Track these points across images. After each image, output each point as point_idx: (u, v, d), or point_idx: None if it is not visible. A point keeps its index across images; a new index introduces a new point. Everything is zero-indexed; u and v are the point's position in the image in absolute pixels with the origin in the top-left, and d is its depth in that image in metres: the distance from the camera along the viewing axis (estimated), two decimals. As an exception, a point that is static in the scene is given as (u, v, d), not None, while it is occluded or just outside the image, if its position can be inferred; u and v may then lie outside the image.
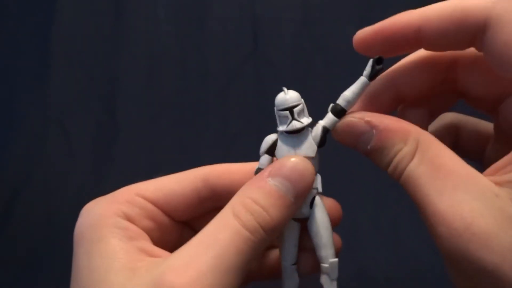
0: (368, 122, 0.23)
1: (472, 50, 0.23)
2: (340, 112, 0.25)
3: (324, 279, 0.25)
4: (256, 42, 0.70)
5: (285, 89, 0.25)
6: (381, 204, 0.66)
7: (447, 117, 0.29)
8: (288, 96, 0.24)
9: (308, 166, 0.23)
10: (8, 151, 0.73)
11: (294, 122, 0.24)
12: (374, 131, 0.23)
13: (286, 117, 0.24)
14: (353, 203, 0.64)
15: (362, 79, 0.25)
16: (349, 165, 0.61)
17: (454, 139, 0.28)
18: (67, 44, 0.73)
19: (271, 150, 0.25)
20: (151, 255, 0.23)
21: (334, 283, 0.25)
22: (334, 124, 0.25)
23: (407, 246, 0.62)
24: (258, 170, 0.25)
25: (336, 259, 0.25)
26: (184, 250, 0.21)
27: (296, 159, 0.23)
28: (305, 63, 0.69)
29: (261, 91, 0.67)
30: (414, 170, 0.21)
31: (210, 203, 0.26)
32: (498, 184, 0.20)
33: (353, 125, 0.24)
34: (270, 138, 0.25)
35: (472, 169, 0.21)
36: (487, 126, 0.28)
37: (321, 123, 0.25)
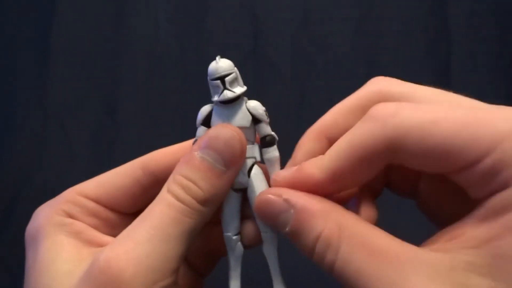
0: (286, 201, 0.21)
1: None
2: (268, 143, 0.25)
3: (265, 247, 0.25)
4: (256, 42, 0.70)
5: (218, 57, 0.24)
6: (381, 206, 0.66)
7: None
8: (220, 65, 0.23)
9: (234, 134, 0.23)
10: (8, 151, 0.73)
11: (226, 91, 0.23)
12: (292, 211, 0.21)
13: (218, 86, 0.23)
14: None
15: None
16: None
17: (386, 174, 0.25)
18: (67, 44, 0.73)
19: (207, 121, 0.25)
20: (100, 244, 0.23)
21: (274, 250, 0.25)
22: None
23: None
24: (195, 142, 0.24)
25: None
26: (125, 230, 0.22)
27: (219, 128, 0.23)
28: (305, 63, 0.69)
29: (261, 91, 0.67)
30: (349, 262, 0.18)
31: (154, 190, 0.25)
32: (447, 250, 0.18)
33: (270, 203, 0.22)
34: (204, 109, 0.25)
35: (410, 245, 0.19)
36: None
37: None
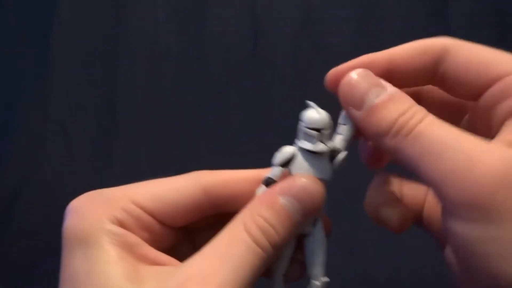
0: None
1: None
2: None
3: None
4: (256, 42, 0.70)
5: (317, 107, 0.24)
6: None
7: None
8: (320, 117, 0.24)
9: (319, 189, 0.23)
10: (8, 151, 0.73)
11: (321, 145, 0.24)
12: (388, 88, 0.23)
13: (313, 136, 0.24)
14: (354, 205, 0.64)
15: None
16: (350, 166, 0.61)
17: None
18: (67, 44, 0.73)
19: (286, 163, 0.25)
20: (154, 262, 0.23)
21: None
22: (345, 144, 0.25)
23: (408, 247, 0.62)
24: (268, 181, 0.24)
25: (328, 279, 0.25)
26: (199, 261, 0.21)
27: (308, 180, 0.23)
28: (305, 63, 0.69)
29: (261, 91, 0.67)
30: (435, 121, 0.21)
31: (209, 211, 0.26)
32: None
33: (369, 74, 0.24)
34: (288, 151, 0.25)
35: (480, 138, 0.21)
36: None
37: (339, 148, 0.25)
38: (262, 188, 0.25)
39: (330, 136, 0.25)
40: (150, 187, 0.25)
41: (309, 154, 0.24)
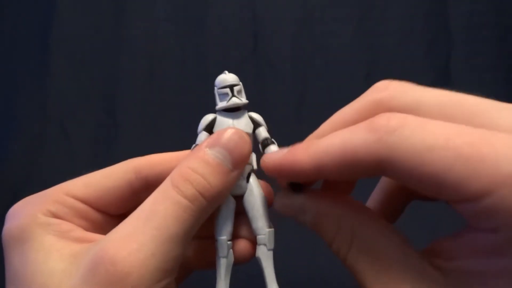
0: (302, 205, 0.23)
1: None
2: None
3: (260, 251, 0.25)
4: (256, 42, 0.70)
5: (226, 71, 0.26)
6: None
7: None
8: (228, 76, 0.26)
9: (244, 136, 0.24)
10: (8, 151, 0.73)
11: (234, 98, 0.25)
12: (309, 214, 0.23)
13: (227, 94, 0.25)
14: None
15: None
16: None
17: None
18: (67, 44, 0.73)
19: (209, 128, 0.26)
20: (91, 241, 0.23)
21: (271, 253, 0.25)
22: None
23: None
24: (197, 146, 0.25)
25: (273, 229, 0.25)
26: (123, 225, 0.22)
27: (232, 129, 0.24)
28: (305, 63, 0.69)
29: (261, 91, 0.67)
30: (356, 262, 0.21)
31: (144, 194, 0.25)
32: (444, 269, 0.19)
33: (288, 207, 0.23)
34: (208, 117, 0.26)
35: (412, 254, 0.20)
36: None
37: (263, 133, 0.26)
38: None
39: (243, 93, 0.26)
40: (82, 178, 0.26)
41: (226, 113, 0.26)
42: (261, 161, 0.24)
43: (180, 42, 0.72)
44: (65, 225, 0.24)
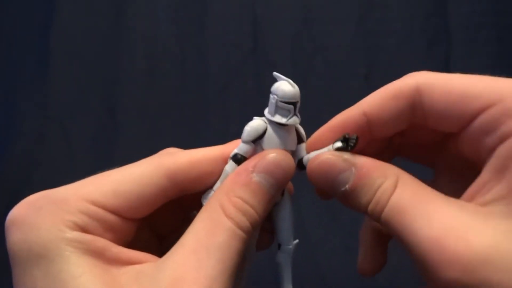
0: (346, 160, 0.23)
1: None
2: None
3: (283, 258, 0.26)
4: (256, 42, 0.70)
5: (290, 81, 0.24)
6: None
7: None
8: (296, 91, 0.24)
9: (290, 162, 0.24)
10: (8, 151, 0.73)
11: (295, 117, 0.24)
12: (353, 169, 0.22)
13: (289, 111, 0.24)
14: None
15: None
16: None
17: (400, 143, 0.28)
18: (67, 44, 0.73)
19: (258, 139, 0.24)
20: (127, 262, 0.21)
21: (291, 260, 0.26)
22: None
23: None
24: (239, 158, 0.24)
25: (297, 240, 0.26)
26: (182, 255, 0.20)
27: (280, 155, 0.23)
28: (305, 63, 0.69)
29: (261, 91, 0.67)
30: (399, 200, 0.21)
31: (173, 196, 0.24)
32: (482, 205, 0.20)
33: (331, 164, 0.23)
34: (260, 127, 0.24)
35: (453, 198, 0.21)
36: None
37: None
38: (231, 164, 0.24)
39: (298, 107, 0.25)
40: (107, 182, 0.23)
41: (279, 127, 0.24)
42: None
43: (180, 42, 0.72)
44: (99, 242, 0.21)
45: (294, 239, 0.26)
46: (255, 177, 0.22)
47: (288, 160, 0.23)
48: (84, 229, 0.21)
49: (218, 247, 0.20)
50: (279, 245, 0.26)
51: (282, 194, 0.26)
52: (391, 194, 0.21)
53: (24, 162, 0.72)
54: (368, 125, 0.24)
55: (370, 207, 0.22)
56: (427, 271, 0.19)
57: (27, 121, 0.73)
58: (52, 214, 0.20)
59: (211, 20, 0.71)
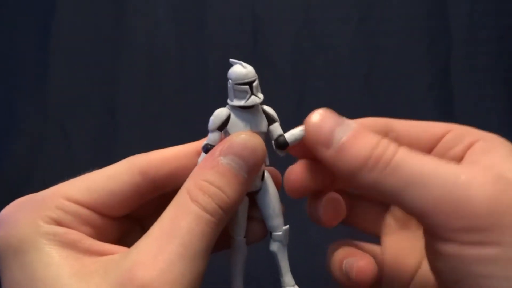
0: (342, 117, 0.23)
1: None
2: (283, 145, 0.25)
3: (276, 246, 0.25)
4: (256, 42, 0.70)
5: (242, 62, 0.24)
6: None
7: None
8: (248, 71, 0.24)
9: (259, 142, 0.23)
10: (8, 151, 0.73)
11: (253, 97, 0.24)
12: (353, 124, 0.23)
13: (245, 91, 0.24)
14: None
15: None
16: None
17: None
18: (67, 44, 0.73)
19: (223, 127, 0.24)
20: (101, 253, 0.22)
21: (285, 248, 0.26)
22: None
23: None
24: (208, 147, 0.24)
25: (288, 226, 0.26)
26: (146, 243, 0.21)
27: (246, 135, 0.23)
28: (305, 63, 0.69)
29: (261, 91, 0.67)
30: (403, 159, 0.21)
31: (150, 194, 0.25)
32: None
33: (330, 117, 0.23)
34: (222, 114, 0.24)
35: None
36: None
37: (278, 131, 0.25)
38: (203, 156, 0.24)
39: (259, 87, 0.24)
40: (83, 180, 0.24)
41: (242, 110, 0.24)
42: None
43: (180, 42, 0.72)
44: (72, 234, 0.22)
45: (285, 225, 0.26)
46: (222, 160, 0.22)
47: (255, 140, 0.23)
48: (59, 223, 0.22)
49: (180, 232, 0.20)
50: (271, 234, 0.26)
51: (262, 179, 0.25)
52: (395, 152, 0.21)
53: (24, 162, 0.72)
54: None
55: (370, 163, 0.21)
56: (434, 226, 0.20)
57: (27, 121, 0.73)
58: (30, 211, 0.22)
59: (211, 20, 0.71)
